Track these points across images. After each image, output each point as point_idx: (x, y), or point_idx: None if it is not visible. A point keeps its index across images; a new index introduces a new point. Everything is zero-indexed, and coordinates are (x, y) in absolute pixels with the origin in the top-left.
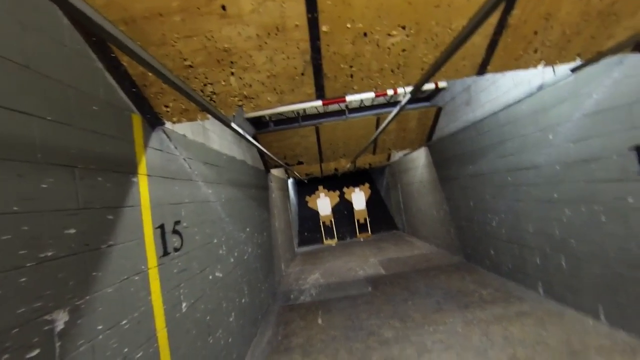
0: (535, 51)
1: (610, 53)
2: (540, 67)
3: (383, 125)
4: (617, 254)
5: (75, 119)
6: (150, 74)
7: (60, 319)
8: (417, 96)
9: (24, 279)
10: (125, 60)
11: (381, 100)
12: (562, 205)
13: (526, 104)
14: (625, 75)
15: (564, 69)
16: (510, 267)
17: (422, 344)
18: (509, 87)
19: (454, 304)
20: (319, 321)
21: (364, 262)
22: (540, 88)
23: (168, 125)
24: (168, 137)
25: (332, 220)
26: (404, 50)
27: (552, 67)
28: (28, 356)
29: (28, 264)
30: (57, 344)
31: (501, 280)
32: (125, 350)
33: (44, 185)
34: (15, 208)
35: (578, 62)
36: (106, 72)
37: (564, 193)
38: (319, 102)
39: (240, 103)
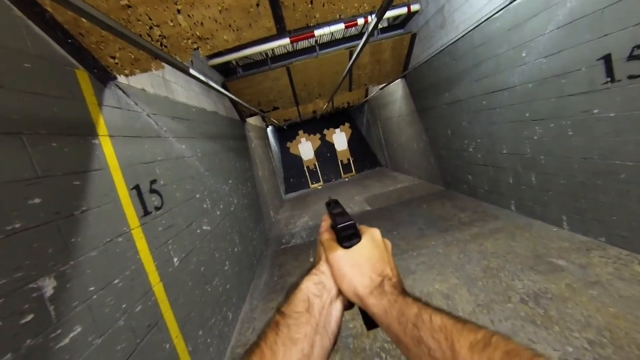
0: None
1: None
2: None
3: (354, 56)
4: (580, 165)
5: (5, 79)
6: (82, 19)
7: (48, 284)
8: (389, 23)
9: None
10: (48, 4)
11: (353, 31)
12: (534, 125)
13: (499, 20)
14: None
15: None
16: (486, 189)
17: (407, 267)
18: (483, 2)
19: (435, 229)
20: (311, 259)
21: (350, 200)
22: (512, 0)
23: (122, 79)
24: (125, 92)
25: (316, 163)
26: None
27: None
28: (23, 321)
29: None
30: (51, 308)
31: (478, 202)
32: (124, 305)
33: None
34: None
35: None
36: (29, 21)
37: (536, 112)
38: (287, 40)
39: (194, 46)
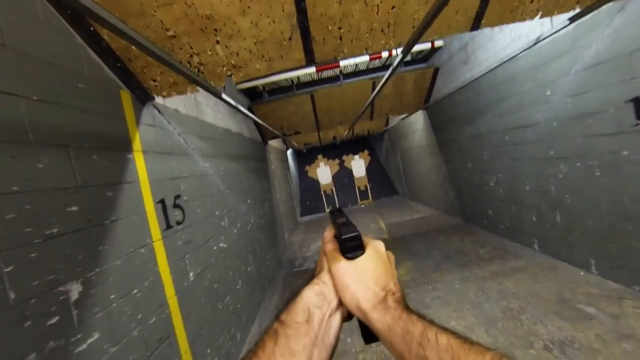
0: (532, 1)
1: None
2: (537, 19)
3: (377, 88)
4: (610, 207)
5: (61, 97)
6: (133, 47)
7: (74, 289)
8: (413, 56)
9: (33, 254)
10: (105, 33)
11: (376, 63)
12: (558, 162)
13: (524, 59)
14: (627, 22)
15: (562, 19)
16: (507, 225)
17: (422, 301)
18: (506, 42)
19: (452, 264)
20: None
21: (365, 228)
22: (538, 41)
23: (158, 100)
24: (160, 112)
25: (333, 188)
26: (393, 7)
27: (550, 18)
28: (49, 323)
29: (35, 241)
30: (74, 312)
31: (498, 239)
32: (140, 316)
33: (39, 165)
34: (14, 188)
35: (577, 10)
36: (88, 48)
37: (561, 150)
38: (313, 69)
39: (229, 73)
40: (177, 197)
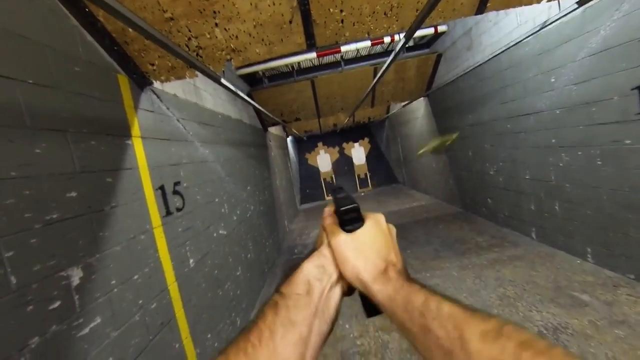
0: None
1: None
2: (544, 2)
3: (379, 74)
4: (610, 196)
5: (57, 81)
6: (130, 29)
7: (75, 274)
8: (415, 42)
9: (34, 240)
10: (101, 15)
11: (378, 49)
12: (560, 151)
13: (529, 44)
14: (637, 7)
15: (570, 2)
16: (507, 214)
17: None
18: (512, 27)
19: (451, 251)
20: None
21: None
22: (544, 25)
23: (157, 85)
24: (158, 97)
25: (333, 176)
26: None
27: (558, 1)
28: (51, 307)
29: (36, 226)
30: (76, 297)
31: (497, 227)
32: (140, 301)
33: (37, 151)
34: (13, 173)
35: None
36: (83, 30)
37: (563, 138)
38: (313, 54)
39: (228, 57)
40: (177, 183)
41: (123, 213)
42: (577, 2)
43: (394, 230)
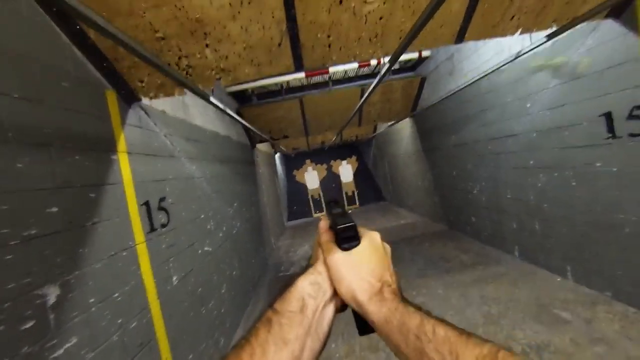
0: (512, 18)
1: (584, 19)
2: (517, 35)
3: (365, 95)
4: (584, 216)
5: (44, 96)
6: (120, 47)
7: (52, 293)
8: (401, 65)
9: (9, 257)
10: (92, 33)
11: (365, 71)
12: (537, 172)
13: (506, 72)
14: (599, 42)
15: (540, 36)
16: (490, 232)
17: None
18: (490, 55)
19: (435, 270)
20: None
21: None
22: (518, 55)
23: (145, 101)
24: (146, 113)
25: (320, 193)
26: (381, 18)
27: (529, 34)
28: (23, 327)
29: (12, 242)
30: (51, 316)
31: (481, 245)
32: (120, 320)
33: (19, 165)
34: None
35: (554, 28)
36: (73, 47)
37: (539, 160)
38: (302, 74)
39: (217, 76)
40: (162, 199)
41: (105, 229)
42: (546, 36)
43: (389, 249)
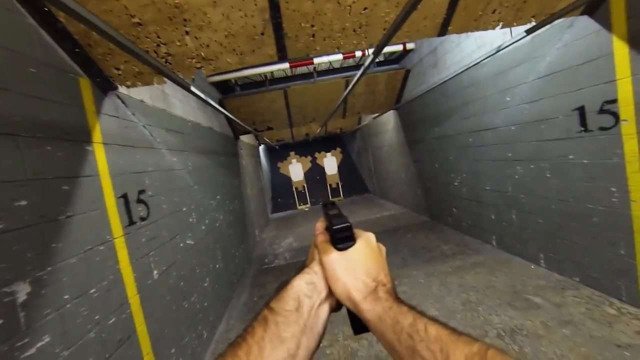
0: (494, 12)
1: (561, 15)
2: (498, 29)
3: (349, 87)
4: (557, 206)
5: (10, 82)
6: (94, 32)
7: (21, 290)
8: (385, 57)
9: None
10: (62, 15)
11: (350, 62)
12: (515, 164)
13: (487, 65)
14: (575, 38)
15: (520, 30)
16: (470, 223)
17: None
18: (472, 49)
19: (418, 259)
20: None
21: None
22: (499, 49)
23: (122, 90)
24: (124, 102)
25: (305, 185)
26: (365, 8)
27: (510, 28)
28: None
29: None
30: (21, 314)
31: (461, 235)
32: (97, 317)
33: None
34: None
35: (533, 23)
36: (41, 30)
37: (518, 152)
38: (286, 65)
39: (198, 65)
40: (142, 192)
41: (80, 223)
42: (525, 31)
43: (383, 249)
